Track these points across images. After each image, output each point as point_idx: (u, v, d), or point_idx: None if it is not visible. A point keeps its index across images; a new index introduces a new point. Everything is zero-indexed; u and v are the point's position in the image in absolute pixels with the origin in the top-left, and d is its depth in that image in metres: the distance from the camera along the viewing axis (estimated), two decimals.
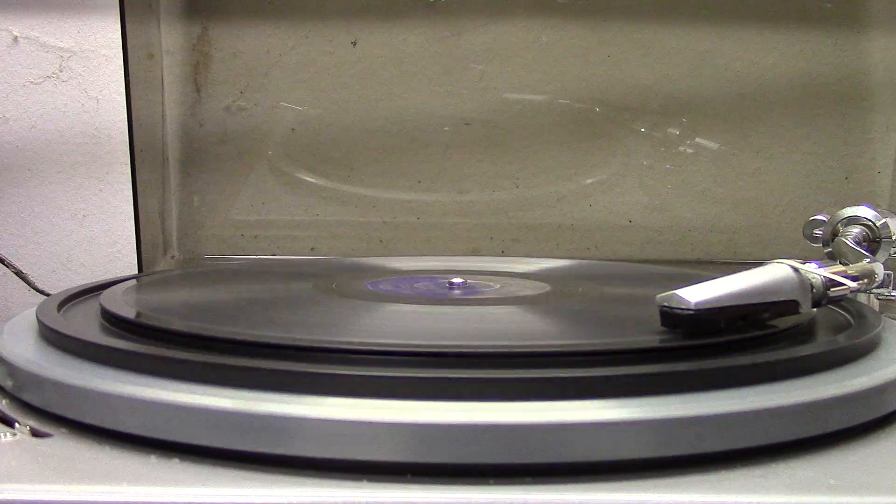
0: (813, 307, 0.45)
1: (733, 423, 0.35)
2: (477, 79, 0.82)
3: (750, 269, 0.44)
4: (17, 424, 0.39)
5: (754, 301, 0.43)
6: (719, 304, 0.41)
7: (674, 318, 0.41)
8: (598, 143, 0.83)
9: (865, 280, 0.50)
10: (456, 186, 0.83)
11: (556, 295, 0.55)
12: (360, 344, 0.40)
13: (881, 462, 0.36)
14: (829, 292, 0.45)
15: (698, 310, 0.41)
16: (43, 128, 0.82)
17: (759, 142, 0.83)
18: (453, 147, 0.83)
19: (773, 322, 0.44)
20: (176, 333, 0.43)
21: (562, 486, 0.33)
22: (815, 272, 0.45)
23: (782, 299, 0.44)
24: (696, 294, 0.41)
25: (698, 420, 0.34)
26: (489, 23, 0.81)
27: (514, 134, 0.83)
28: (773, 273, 0.44)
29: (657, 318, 0.42)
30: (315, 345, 0.39)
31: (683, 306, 0.41)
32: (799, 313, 0.45)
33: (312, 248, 0.84)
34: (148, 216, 0.78)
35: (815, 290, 0.45)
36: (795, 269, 0.44)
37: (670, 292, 0.41)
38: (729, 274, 0.43)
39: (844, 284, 0.46)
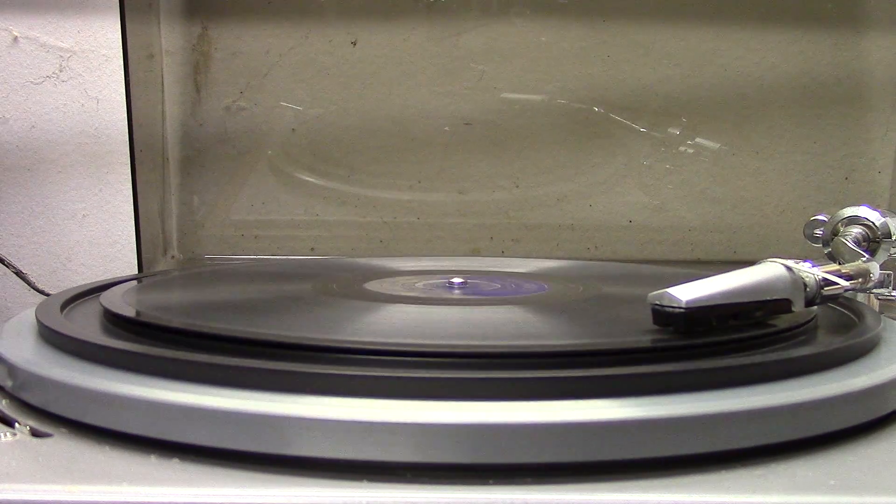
0: (806, 306, 0.45)
1: (733, 423, 0.35)
2: (477, 79, 0.82)
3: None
4: (17, 424, 0.39)
5: (746, 300, 0.43)
6: (711, 303, 0.41)
7: (665, 317, 0.41)
8: (597, 143, 0.83)
9: (860, 279, 0.50)
10: (456, 186, 0.83)
11: (555, 295, 0.55)
12: (360, 344, 0.40)
13: (881, 462, 0.36)
14: (822, 291, 0.45)
15: (689, 308, 0.41)
16: (43, 128, 0.82)
17: (759, 142, 0.83)
18: (453, 147, 0.83)
19: (774, 321, 0.44)
20: (176, 333, 0.43)
21: (562, 486, 0.33)
22: (809, 271, 0.45)
23: (775, 298, 0.43)
24: (688, 292, 0.41)
25: (698, 420, 0.34)
26: (489, 23, 0.81)
27: (513, 134, 0.83)
28: (765, 272, 0.44)
29: None
30: (315, 344, 0.39)
31: (674, 304, 0.41)
32: (792, 312, 0.44)
33: (312, 248, 0.84)
34: (148, 216, 0.78)
35: (808, 289, 0.44)
36: (788, 268, 0.44)
37: (662, 290, 0.41)
38: (722, 272, 0.43)
39: (838, 283, 0.46)
